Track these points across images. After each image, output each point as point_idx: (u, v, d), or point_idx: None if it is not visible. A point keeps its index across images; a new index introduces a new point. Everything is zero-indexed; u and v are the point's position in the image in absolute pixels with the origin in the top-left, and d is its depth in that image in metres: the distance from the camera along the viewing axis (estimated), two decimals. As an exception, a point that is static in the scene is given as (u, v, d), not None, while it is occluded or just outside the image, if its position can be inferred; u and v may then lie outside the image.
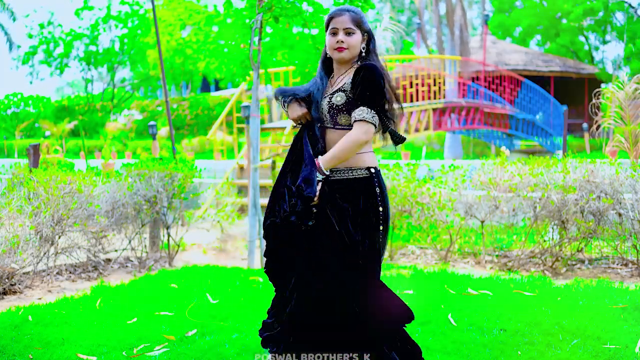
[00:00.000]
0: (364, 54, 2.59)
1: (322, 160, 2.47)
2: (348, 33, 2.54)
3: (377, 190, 2.52)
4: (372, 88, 2.48)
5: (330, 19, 2.58)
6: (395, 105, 2.60)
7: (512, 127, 15.55)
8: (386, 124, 2.57)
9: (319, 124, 2.60)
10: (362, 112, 2.46)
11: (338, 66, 2.63)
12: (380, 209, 2.52)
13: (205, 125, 22.02)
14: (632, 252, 5.10)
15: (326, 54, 2.67)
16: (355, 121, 2.46)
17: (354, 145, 2.45)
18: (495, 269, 5.29)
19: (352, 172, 2.53)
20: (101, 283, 4.83)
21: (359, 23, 2.56)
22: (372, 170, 2.54)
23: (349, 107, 2.51)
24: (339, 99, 2.54)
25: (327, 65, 2.70)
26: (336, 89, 2.57)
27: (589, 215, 4.98)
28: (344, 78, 2.59)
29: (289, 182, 2.54)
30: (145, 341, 3.34)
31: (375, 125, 2.47)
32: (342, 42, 2.53)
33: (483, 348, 3.12)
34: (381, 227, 2.52)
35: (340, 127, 2.54)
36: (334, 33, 2.56)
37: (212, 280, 4.72)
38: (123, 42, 25.07)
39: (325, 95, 2.60)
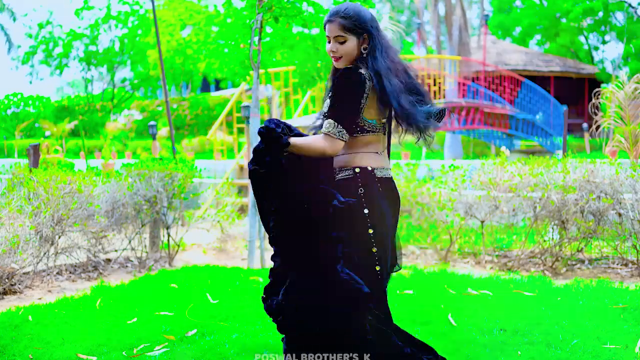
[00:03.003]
0: (364, 55, 2.44)
1: (292, 139, 2.38)
2: (339, 41, 2.42)
3: (360, 190, 2.43)
4: (338, 97, 2.38)
5: (325, 25, 2.47)
6: (382, 109, 2.43)
7: (512, 127, 15.54)
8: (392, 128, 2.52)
9: None
10: (327, 125, 2.37)
11: None
12: (366, 210, 2.43)
13: (205, 125, 22.02)
14: (632, 252, 5.10)
15: None
16: (322, 132, 2.38)
17: (314, 152, 2.38)
18: (495, 269, 5.29)
19: (340, 173, 2.47)
20: (101, 283, 4.83)
21: (351, 27, 2.40)
22: (357, 170, 2.45)
23: None
24: (326, 105, 2.47)
25: None
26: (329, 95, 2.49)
27: (589, 215, 4.98)
28: None
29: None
30: (145, 341, 3.34)
31: (342, 140, 2.36)
32: (334, 52, 2.44)
33: (483, 348, 3.12)
34: (370, 231, 2.43)
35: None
36: (329, 40, 2.46)
37: (212, 280, 4.72)
38: (123, 42, 25.06)
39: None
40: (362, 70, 2.41)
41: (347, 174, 2.47)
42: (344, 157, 2.48)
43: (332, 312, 2.38)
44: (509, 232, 5.81)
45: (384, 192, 2.51)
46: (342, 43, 2.42)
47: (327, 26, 2.45)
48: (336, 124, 2.36)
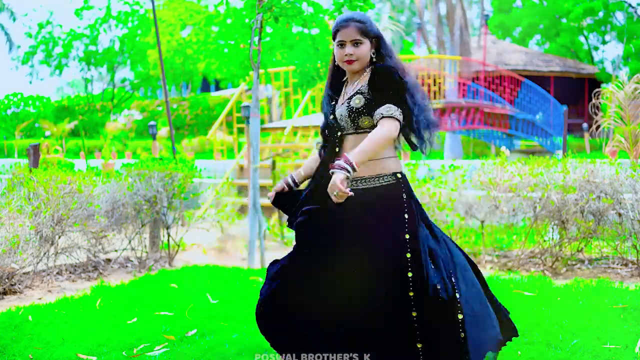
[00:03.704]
0: (374, 59, 2.58)
1: (350, 155, 2.33)
2: (355, 44, 2.52)
3: (404, 196, 2.48)
4: (393, 86, 2.47)
5: (337, 31, 2.56)
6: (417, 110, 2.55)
7: (512, 127, 15.54)
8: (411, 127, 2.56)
9: (335, 135, 2.60)
10: (389, 108, 2.44)
11: (351, 75, 2.63)
12: (406, 216, 2.45)
13: (205, 125, 22.02)
14: (632, 252, 5.10)
15: (334, 64, 2.68)
16: (382, 118, 2.43)
17: (383, 140, 2.38)
18: (495, 269, 5.29)
19: (378, 180, 2.50)
20: (101, 283, 4.83)
21: (366, 31, 2.54)
22: (399, 175, 2.51)
23: (369, 109, 2.49)
24: (358, 101, 2.52)
25: (338, 75, 2.70)
26: (353, 93, 2.56)
27: (589, 215, 4.97)
28: (359, 83, 2.57)
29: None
30: (145, 341, 3.34)
31: (400, 122, 2.45)
32: (350, 55, 2.52)
33: (483, 348, 3.12)
34: (407, 236, 2.41)
35: (362, 130, 2.52)
36: (342, 45, 2.55)
37: (212, 280, 4.73)
38: (123, 42, 25.06)
39: (342, 102, 2.59)
40: (394, 65, 2.53)
41: (387, 179, 2.49)
42: (376, 161, 2.48)
43: None
44: (509, 232, 5.81)
45: (413, 194, 2.59)
46: (357, 46, 2.53)
47: (340, 32, 2.54)
48: (396, 107, 2.44)
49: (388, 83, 2.47)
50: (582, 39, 25.85)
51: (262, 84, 11.12)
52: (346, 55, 2.53)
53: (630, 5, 21.76)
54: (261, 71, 7.96)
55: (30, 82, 28.74)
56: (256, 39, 5.21)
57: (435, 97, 12.74)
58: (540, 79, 21.48)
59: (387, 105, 2.44)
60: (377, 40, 2.58)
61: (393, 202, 2.47)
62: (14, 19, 25.04)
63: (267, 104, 11.65)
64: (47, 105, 26.34)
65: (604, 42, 25.68)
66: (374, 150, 2.37)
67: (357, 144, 2.42)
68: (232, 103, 11.01)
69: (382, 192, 2.48)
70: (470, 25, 23.32)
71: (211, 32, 23.44)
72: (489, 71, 16.13)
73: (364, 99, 2.50)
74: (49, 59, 25.47)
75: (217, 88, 29.88)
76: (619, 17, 24.00)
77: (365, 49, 2.54)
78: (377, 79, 2.49)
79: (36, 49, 25.45)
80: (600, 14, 22.76)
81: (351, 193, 2.26)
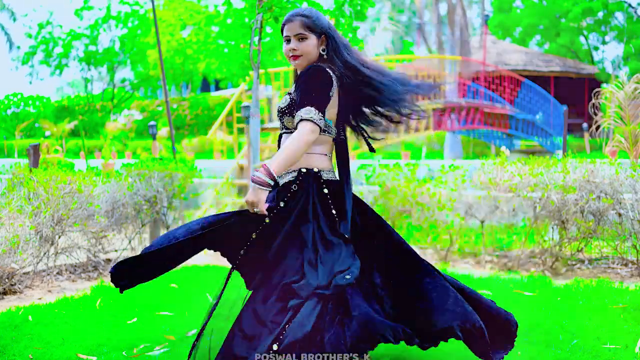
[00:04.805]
0: (325, 57, 2.49)
1: (269, 162, 2.26)
2: (300, 39, 2.44)
3: (294, 187, 2.46)
4: (315, 88, 2.37)
5: (283, 26, 2.49)
6: (368, 110, 2.57)
7: (512, 127, 15.55)
8: (357, 128, 2.62)
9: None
10: (307, 111, 2.33)
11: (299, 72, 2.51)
12: (281, 203, 2.47)
13: (205, 125, 22.05)
14: (632, 252, 5.10)
15: None
16: (300, 120, 2.33)
17: (298, 144, 2.27)
18: (495, 269, 5.29)
19: (285, 177, 2.47)
20: (101, 283, 4.83)
21: (312, 27, 2.45)
22: (303, 170, 2.44)
23: (291, 109, 2.45)
24: (283, 101, 2.50)
25: (296, 74, 2.65)
26: (286, 92, 2.53)
27: (589, 215, 4.97)
28: None
29: None
30: (145, 341, 3.34)
31: (318, 126, 2.33)
32: (294, 50, 2.44)
33: (483, 348, 3.11)
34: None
35: (288, 131, 2.50)
36: (287, 40, 2.47)
37: (212, 280, 4.73)
38: (123, 42, 25.08)
39: None
40: (329, 69, 2.44)
41: (290, 176, 2.46)
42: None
43: None
44: (509, 232, 5.81)
45: (333, 194, 2.49)
46: (302, 40, 2.45)
47: (286, 26, 2.47)
48: (317, 110, 2.34)
49: (311, 83, 2.37)
50: (582, 39, 25.86)
51: (262, 84, 11.13)
52: (290, 50, 2.44)
53: (630, 5, 21.77)
54: (261, 71, 7.96)
55: (30, 82, 28.77)
56: (256, 39, 5.21)
57: (435, 97, 12.74)
58: (540, 79, 21.49)
59: (307, 107, 2.33)
60: (326, 37, 2.48)
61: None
62: (14, 19, 25.06)
63: (267, 104, 11.65)
64: (47, 105, 26.37)
65: (604, 42, 25.69)
66: (291, 156, 2.27)
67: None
68: (232, 103, 11.01)
69: (280, 190, 2.47)
70: (470, 25, 23.33)
71: (211, 32, 23.47)
72: (489, 71, 16.13)
73: (289, 99, 2.47)
74: (49, 59, 25.50)
75: (217, 88, 29.90)
76: (619, 17, 24.01)
77: (311, 44, 2.45)
78: (301, 78, 2.40)
79: (36, 49, 25.47)
80: (600, 14, 22.78)
81: (265, 213, 2.29)
